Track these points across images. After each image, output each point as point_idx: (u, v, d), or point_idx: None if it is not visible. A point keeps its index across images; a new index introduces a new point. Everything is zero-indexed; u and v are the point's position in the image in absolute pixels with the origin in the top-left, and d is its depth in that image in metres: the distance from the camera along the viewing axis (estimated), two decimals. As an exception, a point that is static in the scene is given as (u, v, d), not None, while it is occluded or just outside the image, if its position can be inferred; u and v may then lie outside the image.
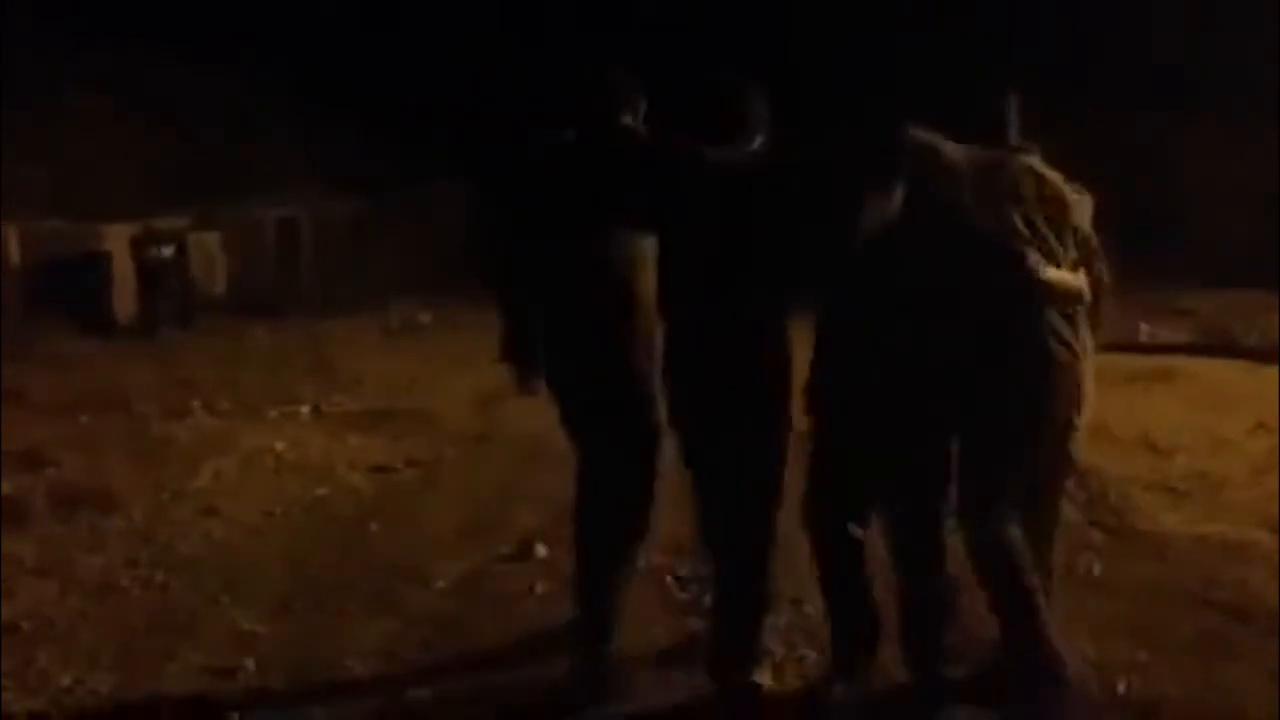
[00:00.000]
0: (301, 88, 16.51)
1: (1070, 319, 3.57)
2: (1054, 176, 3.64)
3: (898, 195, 3.42)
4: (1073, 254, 3.60)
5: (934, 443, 3.58)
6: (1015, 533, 3.59)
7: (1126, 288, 12.46)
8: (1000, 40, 15.20)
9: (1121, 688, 3.90)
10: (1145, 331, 10.64)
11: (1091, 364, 3.67)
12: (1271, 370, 8.57)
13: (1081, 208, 3.69)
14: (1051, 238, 3.52)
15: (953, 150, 3.54)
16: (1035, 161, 3.65)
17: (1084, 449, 6.08)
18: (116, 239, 11.68)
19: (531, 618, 4.57)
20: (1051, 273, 3.49)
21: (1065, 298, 3.55)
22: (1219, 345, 9.77)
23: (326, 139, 16.32)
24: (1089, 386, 3.64)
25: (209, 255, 13.01)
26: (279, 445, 7.14)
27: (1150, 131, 16.03)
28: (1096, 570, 4.93)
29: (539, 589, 4.85)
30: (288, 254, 14.47)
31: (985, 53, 13.27)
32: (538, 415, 7.80)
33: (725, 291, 3.57)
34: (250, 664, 4.18)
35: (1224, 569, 4.89)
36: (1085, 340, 3.63)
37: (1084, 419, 3.67)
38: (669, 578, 4.91)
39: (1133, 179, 16.03)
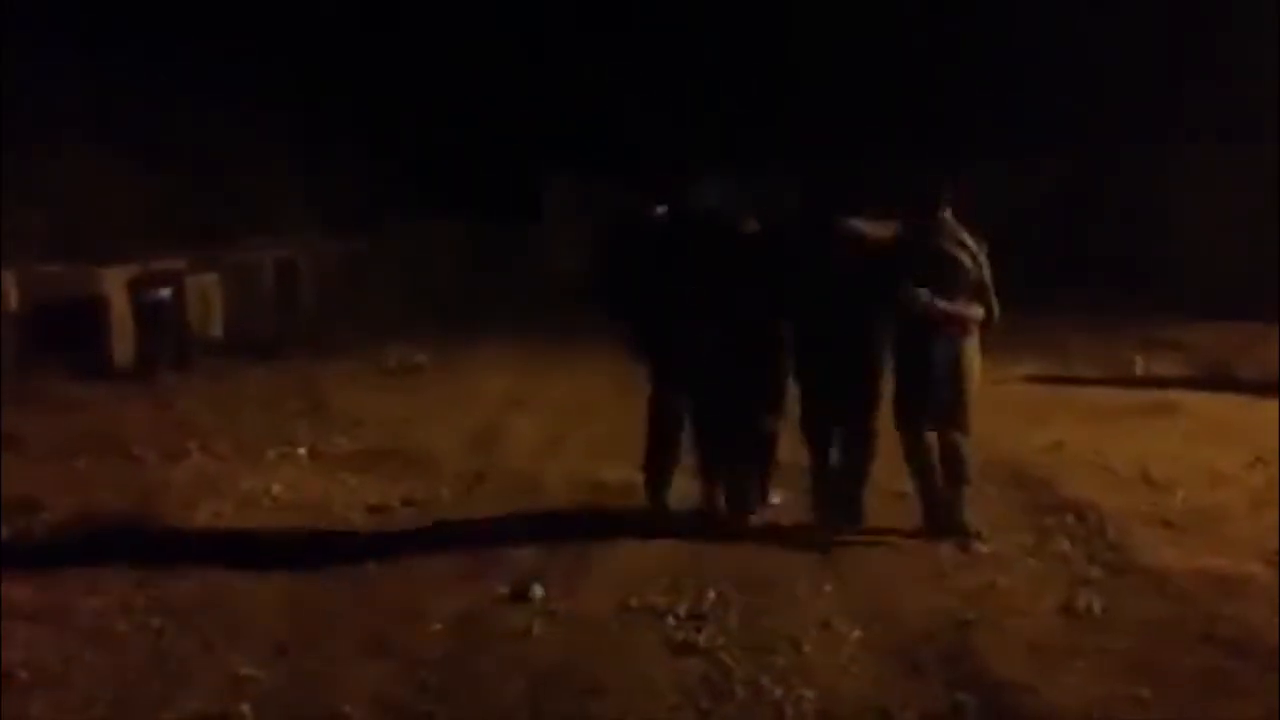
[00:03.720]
0: (299, 129, 16.60)
1: (962, 330, 5.78)
2: (950, 240, 5.74)
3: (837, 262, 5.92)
4: (965, 291, 5.73)
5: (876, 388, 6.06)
6: (930, 440, 5.96)
7: (1121, 321, 12.49)
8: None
9: (1123, 725, 3.89)
10: (1139, 365, 10.65)
11: (979, 366, 5.89)
12: (1268, 403, 8.57)
13: (975, 260, 5.75)
14: (945, 281, 5.69)
15: (870, 229, 5.96)
16: (944, 227, 5.77)
17: (1080, 483, 6.18)
18: (114, 282, 11.67)
19: (528, 659, 4.55)
20: (941, 304, 5.71)
21: (952, 320, 5.75)
22: (1216, 379, 9.78)
23: (324, 180, 16.38)
24: (976, 368, 5.87)
25: (206, 297, 12.97)
26: (276, 487, 7.11)
27: (1144, 167, 16.13)
28: (1096, 607, 4.93)
29: (535, 630, 4.84)
30: (286, 295, 14.47)
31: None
32: (534, 455, 7.86)
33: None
34: (246, 709, 4.15)
35: (1224, 604, 4.88)
36: (973, 351, 5.84)
37: (974, 385, 5.90)
38: (669, 618, 4.91)
39: (1127, 214, 16.18)
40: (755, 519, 6.20)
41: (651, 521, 6.21)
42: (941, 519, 5.93)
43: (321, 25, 18.12)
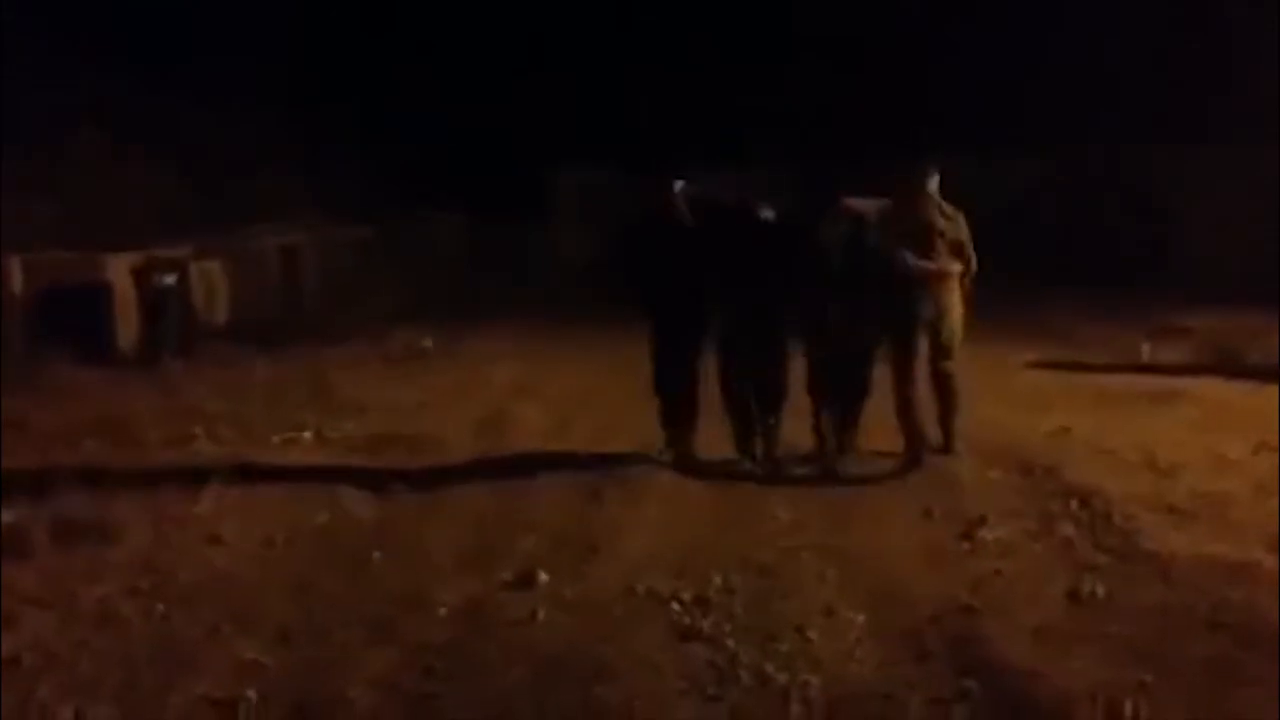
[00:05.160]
0: (305, 118, 16.59)
1: (943, 287, 6.95)
2: (931, 209, 6.94)
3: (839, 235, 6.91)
4: (946, 251, 6.91)
5: (867, 343, 7.02)
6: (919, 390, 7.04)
7: (1128, 308, 12.52)
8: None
9: (1128, 710, 3.88)
10: (1146, 351, 10.62)
11: (960, 310, 7.06)
12: (1275, 390, 8.54)
13: (953, 224, 6.97)
14: (927, 243, 6.87)
15: (865, 205, 6.97)
16: (926, 200, 6.96)
17: (1086, 469, 6.23)
18: (118, 268, 11.68)
19: (533, 645, 4.55)
20: (923, 263, 6.87)
21: (932, 277, 6.92)
22: (1222, 365, 9.74)
23: (327, 168, 16.36)
24: (957, 322, 7.06)
25: (211, 284, 12.97)
26: (281, 473, 7.10)
27: (1153, 157, 16.13)
28: (1101, 593, 4.92)
29: (540, 616, 4.83)
30: (290, 282, 14.47)
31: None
32: (539, 442, 7.86)
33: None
34: (252, 695, 4.16)
35: (1230, 590, 4.86)
36: (953, 298, 7.01)
37: (957, 338, 7.10)
38: (674, 604, 4.91)
39: (1135, 202, 16.18)
40: (763, 465, 7.06)
41: (676, 470, 6.96)
42: (920, 450, 6.90)
43: (328, 17, 18.10)
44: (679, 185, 7.35)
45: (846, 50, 18.14)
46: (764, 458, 7.13)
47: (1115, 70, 16.38)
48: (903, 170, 7.09)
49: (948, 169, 7.19)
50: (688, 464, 7.08)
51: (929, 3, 18.02)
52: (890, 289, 6.90)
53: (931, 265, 6.91)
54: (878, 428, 7.22)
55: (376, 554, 5.65)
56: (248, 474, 7.04)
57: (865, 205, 7.05)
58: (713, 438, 7.30)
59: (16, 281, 11.00)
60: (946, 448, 7.06)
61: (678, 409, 7.25)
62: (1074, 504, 6.10)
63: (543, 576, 5.21)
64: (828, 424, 7.04)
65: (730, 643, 4.51)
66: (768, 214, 7.14)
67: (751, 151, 14.73)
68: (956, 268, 6.99)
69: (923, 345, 7.02)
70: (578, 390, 9.74)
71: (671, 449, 7.20)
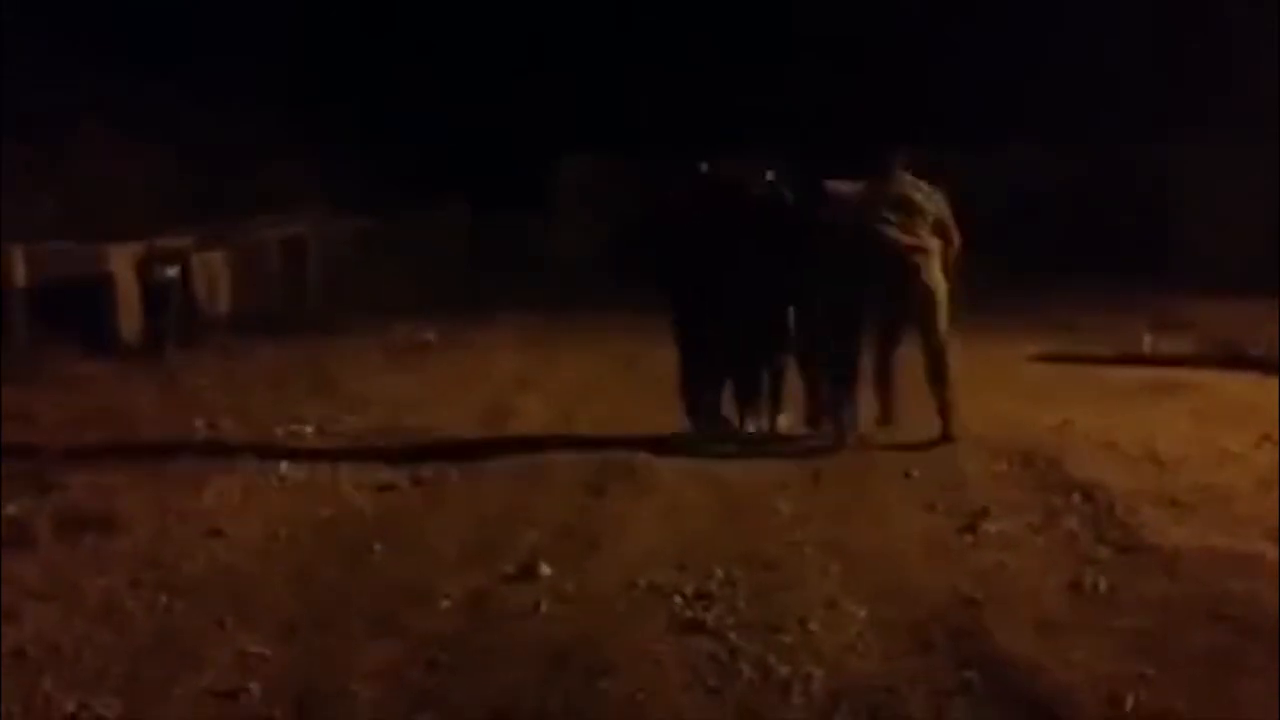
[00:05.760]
0: (308, 109, 16.58)
1: (924, 260, 7.21)
2: (909, 189, 7.28)
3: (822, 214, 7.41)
4: (925, 228, 7.22)
5: (853, 320, 7.36)
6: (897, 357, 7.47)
7: (1130, 300, 12.59)
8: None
9: (1130, 703, 3.88)
10: (1148, 343, 10.62)
11: (943, 284, 7.28)
12: (1275, 382, 8.54)
13: (932, 202, 7.28)
14: (907, 222, 7.18)
15: (844, 186, 7.49)
16: (903, 181, 7.32)
17: (1088, 462, 6.24)
18: (121, 259, 11.67)
19: (535, 639, 4.55)
20: (906, 239, 7.17)
21: (914, 252, 7.18)
22: (1225, 357, 9.73)
23: (329, 166, 16.35)
24: (942, 298, 7.25)
25: (213, 275, 12.97)
26: (284, 465, 7.12)
27: (1156, 151, 16.16)
28: (1104, 586, 4.92)
29: (543, 608, 4.84)
30: (293, 274, 14.46)
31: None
32: (542, 433, 7.86)
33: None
34: (255, 687, 4.16)
35: (1232, 583, 4.86)
36: (936, 275, 7.25)
37: (943, 312, 7.25)
38: (676, 597, 4.91)
39: (1138, 194, 16.22)
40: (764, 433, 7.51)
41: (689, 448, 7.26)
42: (893, 416, 7.42)
43: (328, 17, 18.08)
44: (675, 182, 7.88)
45: (846, 50, 18.14)
46: (761, 432, 7.54)
47: (1115, 70, 16.39)
48: (876, 152, 7.52)
49: (950, 167, 7.64)
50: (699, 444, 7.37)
51: (929, 3, 18.02)
52: (874, 267, 7.24)
53: (908, 239, 7.22)
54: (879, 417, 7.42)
55: (379, 546, 5.65)
56: (250, 466, 7.05)
57: (845, 186, 7.53)
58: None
59: (19, 273, 10.99)
60: (945, 430, 7.17)
61: (701, 391, 7.61)
62: (1076, 497, 6.10)
63: (545, 569, 5.21)
64: (822, 404, 7.41)
65: (732, 636, 4.51)
66: (753, 193, 7.57)
67: (751, 151, 14.74)
68: (935, 243, 7.30)
69: (907, 322, 7.32)
70: (579, 383, 9.74)
71: (695, 432, 7.51)
